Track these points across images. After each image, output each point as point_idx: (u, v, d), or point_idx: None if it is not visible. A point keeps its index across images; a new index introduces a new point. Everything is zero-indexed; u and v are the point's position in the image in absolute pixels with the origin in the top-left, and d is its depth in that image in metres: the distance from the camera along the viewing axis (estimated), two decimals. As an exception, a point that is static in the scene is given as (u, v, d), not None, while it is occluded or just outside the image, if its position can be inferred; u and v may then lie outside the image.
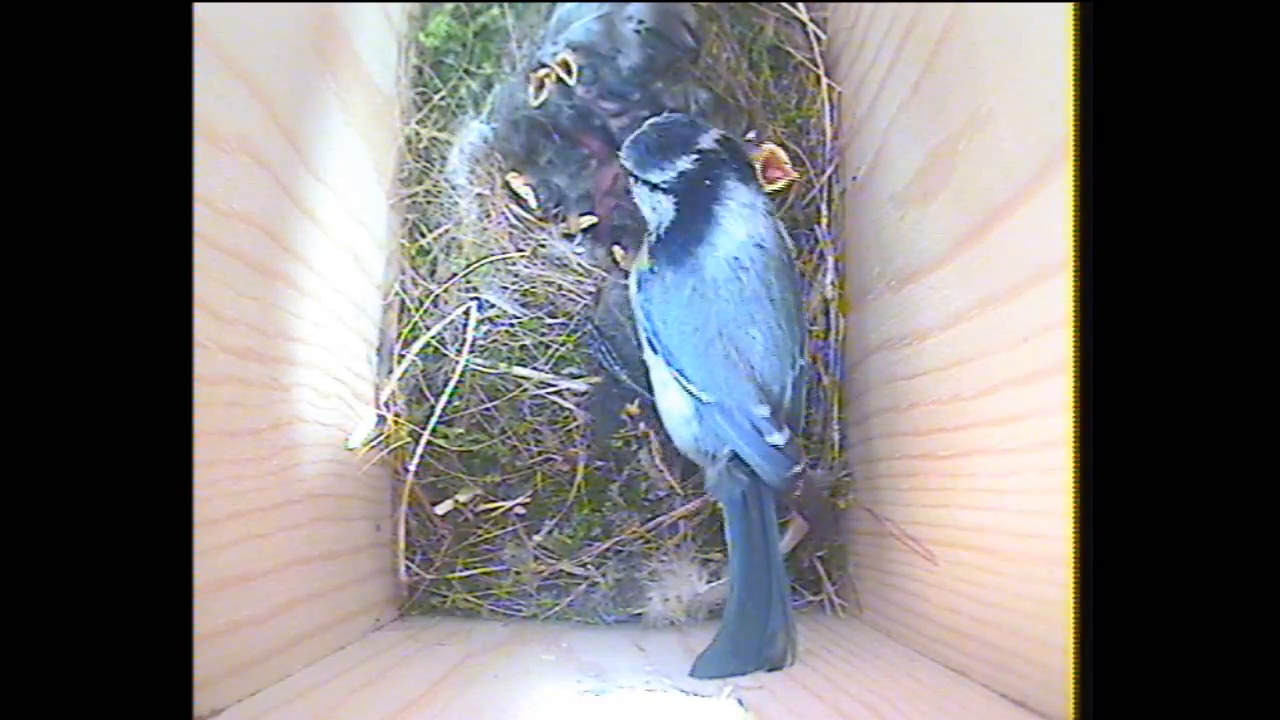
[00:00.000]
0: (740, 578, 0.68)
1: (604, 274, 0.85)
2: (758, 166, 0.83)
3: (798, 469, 0.70)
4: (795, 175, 0.86)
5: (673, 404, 0.75)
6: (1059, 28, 0.40)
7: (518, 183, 0.85)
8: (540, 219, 0.85)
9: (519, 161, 0.86)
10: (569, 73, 0.83)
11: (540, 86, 0.85)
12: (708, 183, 0.72)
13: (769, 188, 0.84)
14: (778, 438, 0.69)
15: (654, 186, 0.73)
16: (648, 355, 0.76)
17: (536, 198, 0.85)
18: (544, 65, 0.85)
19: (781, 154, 0.85)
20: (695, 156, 0.72)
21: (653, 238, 0.75)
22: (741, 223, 0.72)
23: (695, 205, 0.72)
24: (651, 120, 0.75)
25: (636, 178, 0.74)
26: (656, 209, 0.74)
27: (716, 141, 0.73)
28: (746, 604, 0.67)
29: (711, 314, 0.71)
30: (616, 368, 0.82)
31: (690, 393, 0.72)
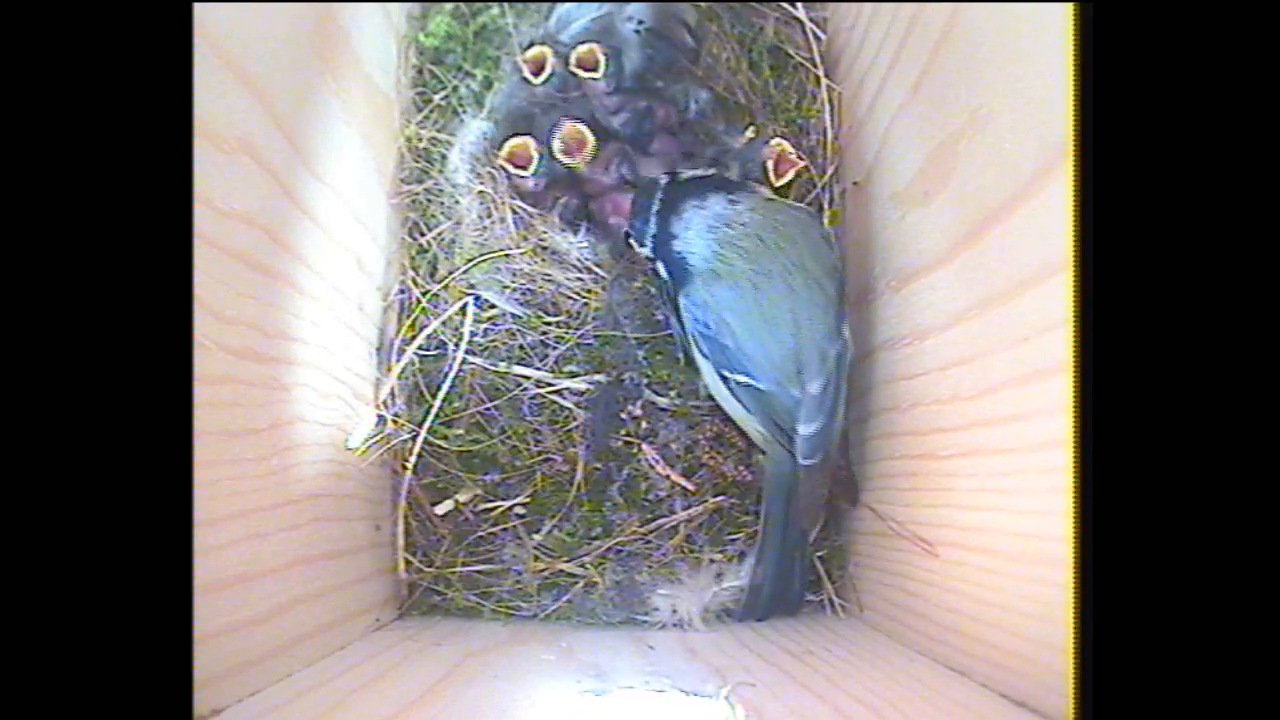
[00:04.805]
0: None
1: (604, 272, 0.84)
2: (769, 165, 0.84)
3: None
4: (801, 163, 0.85)
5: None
6: (1059, 28, 0.40)
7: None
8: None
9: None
10: (595, 65, 0.82)
11: (540, 68, 0.84)
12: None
13: (779, 183, 0.84)
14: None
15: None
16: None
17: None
18: (536, 44, 0.84)
19: (788, 148, 0.85)
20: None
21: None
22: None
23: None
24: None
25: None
26: None
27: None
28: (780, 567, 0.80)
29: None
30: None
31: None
